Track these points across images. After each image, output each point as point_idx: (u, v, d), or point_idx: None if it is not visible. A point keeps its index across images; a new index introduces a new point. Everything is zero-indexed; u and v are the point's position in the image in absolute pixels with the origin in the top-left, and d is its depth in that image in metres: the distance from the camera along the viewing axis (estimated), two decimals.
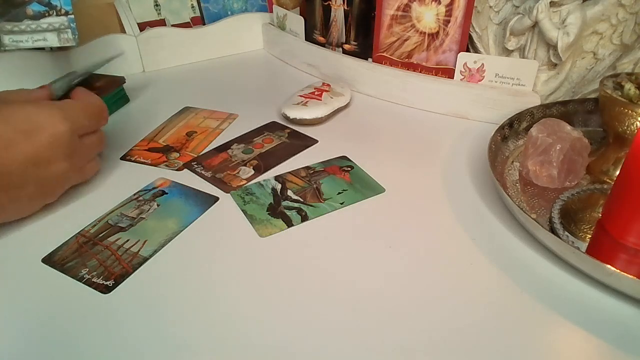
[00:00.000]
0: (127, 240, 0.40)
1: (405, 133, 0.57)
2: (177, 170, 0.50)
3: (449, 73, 0.60)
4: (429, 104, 0.61)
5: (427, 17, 0.59)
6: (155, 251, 0.39)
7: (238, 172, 0.49)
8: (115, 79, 0.63)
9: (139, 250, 0.39)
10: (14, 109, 0.40)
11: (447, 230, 0.42)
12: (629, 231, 0.38)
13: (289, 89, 0.64)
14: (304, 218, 0.43)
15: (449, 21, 0.58)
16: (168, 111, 0.62)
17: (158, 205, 0.44)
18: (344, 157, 0.52)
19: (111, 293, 0.35)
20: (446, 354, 0.31)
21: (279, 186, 0.47)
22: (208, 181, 0.48)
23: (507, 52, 0.57)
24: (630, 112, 0.43)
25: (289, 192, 0.46)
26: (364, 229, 0.42)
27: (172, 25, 0.77)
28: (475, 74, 0.58)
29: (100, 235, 0.41)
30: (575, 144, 0.44)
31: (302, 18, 0.72)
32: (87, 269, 0.37)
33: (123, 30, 0.73)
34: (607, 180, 0.46)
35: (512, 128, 0.52)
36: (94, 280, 0.36)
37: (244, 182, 0.48)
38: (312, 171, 0.49)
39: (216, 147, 0.54)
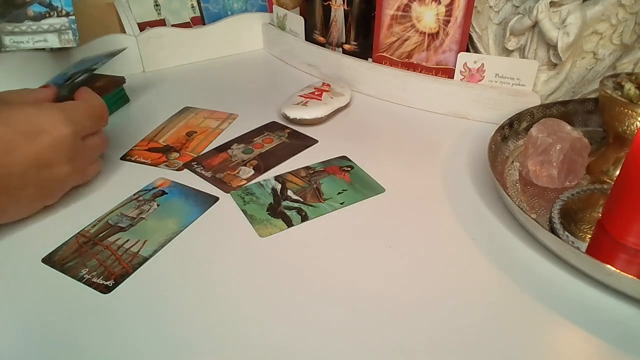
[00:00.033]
0: (127, 240, 0.40)
1: (405, 133, 0.57)
2: (177, 170, 0.50)
3: (449, 73, 0.60)
4: (429, 104, 0.61)
5: (427, 17, 0.59)
6: (155, 251, 0.39)
7: (238, 172, 0.49)
8: (115, 79, 0.63)
9: (139, 250, 0.39)
10: (15, 111, 0.39)
11: (447, 230, 0.42)
12: (629, 231, 0.38)
13: (289, 89, 0.64)
14: (304, 218, 0.43)
15: (449, 21, 0.58)
16: (168, 111, 0.62)
17: (158, 205, 0.44)
18: (344, 157, 0.52)
19: (111, 293, 0.35)
20: (446, 354, 0.31)
21: (279, 186, 0.47)
22: (208, 181, 0.48)
23: (507, 52, 0.57)
24: (630, 112, 0.43)
25: (289, 192, 0.46)
26: (364, 229, 0.42)
27: (172, 25, 0.77)
28: (475, 74, 0.58)
29: (100, 235, 0.41)
30: (575, 144, 0.44)
31: (302, 18, 0.72)
32: (87, 269, 0.37)
33: (123, 30, 0.73)
34: (607, 180, 0.46)
35: (512, 128, 0.52)
36: (94, 280, 0.36)
37: (244, 182, 0.48)
38: (312, 171, 0.49)
39: (216, 147, 0.54)
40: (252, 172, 0.49)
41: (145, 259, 0.38)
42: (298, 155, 0.52)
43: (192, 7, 0.78)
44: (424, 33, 0.60)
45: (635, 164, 0.36)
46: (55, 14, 0.58)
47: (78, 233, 0.41)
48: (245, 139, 0.56)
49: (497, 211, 0.43)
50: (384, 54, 0.64)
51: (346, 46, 0.68)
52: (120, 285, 0.36)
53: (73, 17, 0.58)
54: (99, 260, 0.38)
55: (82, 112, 0.43)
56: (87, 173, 0.46)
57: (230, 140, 0.55)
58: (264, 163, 0.51)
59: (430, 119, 0.60)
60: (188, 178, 0.49)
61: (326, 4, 0.67)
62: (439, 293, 0.35)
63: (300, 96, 0.60)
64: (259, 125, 0.58)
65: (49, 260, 0.38)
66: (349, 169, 0.50)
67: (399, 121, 0.60)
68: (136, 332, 0.33)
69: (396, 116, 0.61)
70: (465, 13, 0.56)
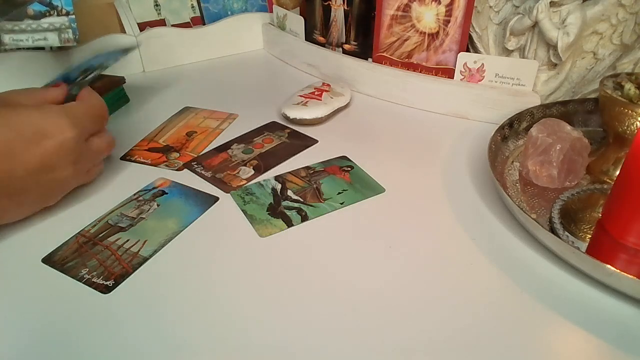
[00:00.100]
0: (127, 240, 0.40)
1: (405, 133, 0.57)
2: (177, 170, 0.50)
3: (449, 73, 0.60)
4: (429, 104, 0.61)
5: (427, 17, 0.59)
6: (155, 251, 0.39)
7: (238, 172, 0.49)
8: (115, 79, 0.63)
9: (139, 250, 0.39)
10: (19, 114, 0.39)
11: (447, 230, 0.42)
12: (629, 231, 0.38)
13: (289, 89, 0.64)
14: (304, 218, 0.43)
15: (449, 21, 0.58)
16: (168, 111, 0.62)
17: (158, 205, 0.44)
18: (344, 157, 0.52)
19: (111, 293, 0.35)
20: (446, 354, 0.31)
21: (279, 186, 0.47)
22: (208, 181, 0.48)
23: (507, 52, 0.57)
24: (630, 112, 0.43)
25: (289, 192, 0.46)
26: (364, 229, 0.42)
27: (172, 25, 0.77)
28: (475, 74, 0.58)
29: (100, 235, 0.41)
30: (575, 144, 0.44)
31: (302, 18, 0.72)
32: (87, 269, 0.37)
33: (123, 30, 0.73)
34: (607, 180, 0.46)
35: (512, 128, 0.52)
36: (94, 280, 0.36)
37: (244, 182, 0.48)
38: (312, 171, 0.49)
39: (216, 147, 0.54)
40: (252, 172, 0.49)
41: (145, 259, 0.38)
42: (298, 155, 0.52)
43: (192, 7, 0.78)
44: (424, 33, 0.60)
45: (635, 164, 0.36)
46: (55, 13, 0.58)
47: (78, 233, 0.41)
48: (245, 139, 0.56)
49: (497, 211, 0.43)
50: (384, 54, 0.64)
51: (346, 46, 0.68)
52: (120, 285, 0.36)
53: (73, 16, 0.58)
54: (99, 260, 0.38)
55: (84, 114, 0.43)
56: (90, 174, 0.45)
57: (230, 140, 0.55)
58: (264, 163, 0.51)
59: (430, 119, 0.60)
60: (188, 178, 0.49)
61: (326, 4, 0.68)
62: (439, 293, 0.35)
63: (300, 96, 0.60)
64: (259, 125, 0.58)
65: (49, 260, 0.38)
66: (349, 169, 0.50)
67: (399, 121, 0.60)
68: (136, 332, 0.33)
69: (396, 116, 0.61)
70: (465, 13, 0.56)
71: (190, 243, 0.40)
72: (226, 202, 0.45)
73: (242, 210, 0.44)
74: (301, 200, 0.45)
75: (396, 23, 0.61)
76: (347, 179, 0.48)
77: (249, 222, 0.42)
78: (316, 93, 0.61)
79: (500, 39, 0.58)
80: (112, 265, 0.38)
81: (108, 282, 0.36)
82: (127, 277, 0.37)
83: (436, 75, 0.61)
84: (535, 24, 0.53)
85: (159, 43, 0.74)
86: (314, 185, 0.47)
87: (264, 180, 0.48)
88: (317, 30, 0.71)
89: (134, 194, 0.46)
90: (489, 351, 0.31)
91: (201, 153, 0.53)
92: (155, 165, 0.51)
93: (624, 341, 0.32)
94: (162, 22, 0.76)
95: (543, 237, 0.38)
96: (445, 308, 0.34)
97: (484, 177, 0.48)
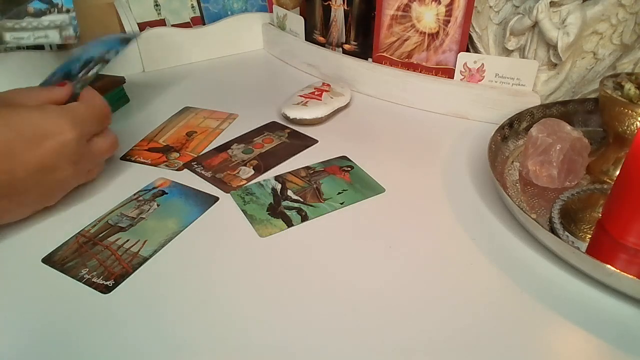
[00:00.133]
0: (127, 240, 0.40)
1: (405, 133, 0.57)
2: (177, 170, 0.50)
3: (449, 73, 0.60)
4: (429, 104, 0.61)
5: (427, 17, 0.59)
6: (155, 251, 0.39)
7: (238, 172, 0.49)
8: (115, 79, 0.63)
9: (139, 250, 0.39)
10: (19, 114, 0.39)
11: (447, 230, 0.42)
12: (629, 231, 0.38)
13: (289, 89, 0.64)
14: (304, 218, 0.43)
15: (449, 21, 0.58)
16: (168, 111, 0.62)
17: (158, 205, 0.44)
18: (344, 157, 0.52)
19: (111, 293, 0.35)
20: (446, 354, 0.31)
21: (279, 186, 0.47)
22: (208, 181, 0.48)
23: (507, 52, 0.57)
24: (630, 112, 0.43)
25: (289, 192, 0.46)
26: (364, 229, 0.42)
27: (172, 25, 0.77)
28: (475, 74, 0.58)
29: (100, 235, 0.41)
30: (575, 144, 0.44)
31: (302, 18, 0.72)
32: (87, 269, 0.37)
33: (123, 30, 0.73)
34: (607, 180, 0.46)
35: (512, 128, 0.52)
36: (94, 280, 0.36)
37: (244, 182, 0.48)
38: (312, 171, 0.49)
39: (216, 147, 0.54)
40: (252, 172, 0.49)
41: (145, 259, 0.38)
42: (298, 155, 0.52)
43: (192, 7, 0.78)
44: (424, 33, 0.60)
45: (635, 164, 0.36)
46: (56, 11, 0.57)
47: (78, 233, 0.41)
48: (245, 139, 0.56)
49: (497, 211, 0.43)
50: (384, 54, 0.64)
51: (346, 46, 0.68)
52: (120, 285, 0.36)
53: (74, 14, 0.58)
54: (99, 260, 0.38)
55: (86, 115, 0.42)
56: (91, 173, 0.45)
57: (230, 140, 0.55)
58: (264, 163, 0.51)
59: (430, 119, 0.60)
60: (188, 178, 0.49)
61: (326, 4, 0.68)
62: (439, 293, 0.35)
63: (300, 96, 0.60)
64: (259, 125, 0.58)
65: (49, 260, 0.38)
66: (349, 169, 0.50)
67: (399, 121, 0.60)
68: (136, 332, 0.33)
69: (396, 116, 0.61)
70: (465, 13, 0.56)
71: (190, 243, 0.40)
72: (226, 202, 0.45)
73: (242, 210, 0.44)
74: (301, 200, 0.45)
75: (396, 23, 0.61)
76: (347, 179, 0.48)
77: (249, 222, 0.42)
78: (316, 93, 0.61)
79: (500, 39, 0.58)
80: (112, 265, 0.38)
81: (108, 282, 0.36)
82: (127, 277, 0.37)
83: (436, 75, 0.61)
84: (535, 24, 0.53)
85: (159, 43, 0.74)
86: (314, 185, 0.47)
87: (264, 180, 0.48)
88: (317, 30, 0.71)
89: (134, 194, 0.46)
90: (489, 351, 0.31)
91: (201, 153, 0.53)
92: (155, 165, 0.51)
93: (624, 341, 0.32)
94: (162, 22, 0.76)
95: (543, 237, 0.38)
96: (445, 308, 0.34)
97: (484, 177, 0.48)
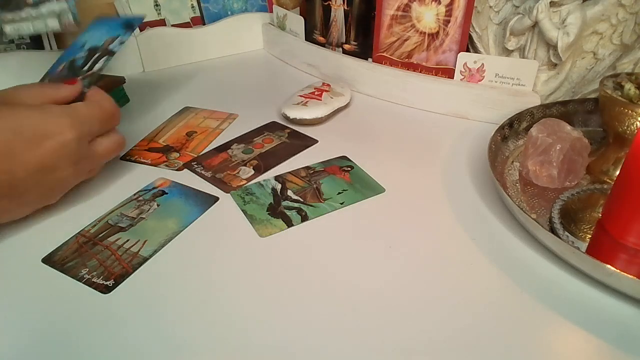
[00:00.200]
0: (127, 240, 0.40)
1: (405, 133, 0.57)
2: (177, 170, 0.50)
3: (449, 73, 0.60)
4: (429, 104, 0.61)
5: (427, 17, 0.59)
6: (155, 251, 0.39)
7: (238, 172, 0.49)
8: (115, 79, 0.63)
9: (139, 250, 0.39)
10: (20, 115, 0.39)
11: (447, 230, 0.42)
12: (629, 231, 0.38)
13: (289, 89, 0.64)
14: (304, 218, 0.43)
15: (449, 21, 0.58)
16: (168, 111, 0.62)
17: (158, 205, 0.44)
18: (344, 157, 0.52)
19: (111, 293, 0.35)
20: (446, 354, 0.31)
21: (279, 186, 0.47)
22: (208, 181, 0.48)
23: (507, 52, 0.57)
24: (630, 112, 0.43)
25: (289, 192, 0.46)
26: (364, 229, 0.42)
27: (172, 25, 0.77)
28: (475, 74, 0.58)
29: (100, 235, 0.41)
30: (575, 144, 0.44)
31: (302, 18, 0.72)
32: (87, 269, 0.37)
33: None
34: (607, 180, 0.46)
35: (512, 128, 0.52)
36: (94, 280, 0.36)
37: (244, 182, 0.48)
38: (312, 171, 0.49)
39: (216, 147, 0.54)
40: (252, 172, 0.49)
41: (145, 259, 0.38)
42: (298, 155, 0.52)
43: (192, 7, 0.78)
44: (424, 33, 0.60)
45: (635, 164, 0.36)
46: None
47: (78, 233, 0.41)
48: (245, 139, 0.56)
49: (497, 211, 0.43)
50: (384, 54, 0.64)
51: (346, 46, 0.68)
52: (120, 285, 0.36)
53: (72, 1, 0.57)
54: (99, 260, 0.38)
55: (88, 115, 0.42)
56: (92, 172, 0.45)
57: (230, 140, 0.55)
58: (264, 163, 0.51)
59: (430, 119, 0.60)
60: (188, 178, 0.49)
61: (326, 4, 0.68)
62: (439, 293, 0.35)
63: (300, 96, 0.60)
64: (259, 125, 0.58)
65: (49, 260, 0.38)
66: (349, 169, 0.50)
67: (399, 121, 0.60)
68: (136, 332, 0.33)
69: (396, 116, 0.61)
70: (465, 13, 0.56)
71: (190, 243, 0.40)
72: (226, 202, 0.45)
73: (242, 210, 0.44)
74: (301, 200, 0.45)
75: (396, 23, 0.61)
76: (347, 179, 0.48)
77: (249, 222, 0.42)
78: (316, 93, 0.61)
79: (500, 39, 0.58)
80: (112, 265, 0.38)
81: (108, 282, 0.36)
82: (127, 277, 0.37)
83: (436, 75, 0.61)
84: (535, 24, 0.53)
85: (159, 43, 0.74)
86: (314, 185, 0.47)
87: (264, 180, 0.48)
88: (317, 30, 0.71)
89: (134, 194, 0.46)
90: (489, 351, 0.31)
91: (201, 153, 0.53)
92: (155, 165, 0.51)
93: (624, 341, 0.32)
94: (162, 22, 0.76)
95: (543, 237, 0.38)
96: (445, 308, 0.34)
97: (484, 177, 0.48)
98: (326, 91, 0.61)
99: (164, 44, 0.75)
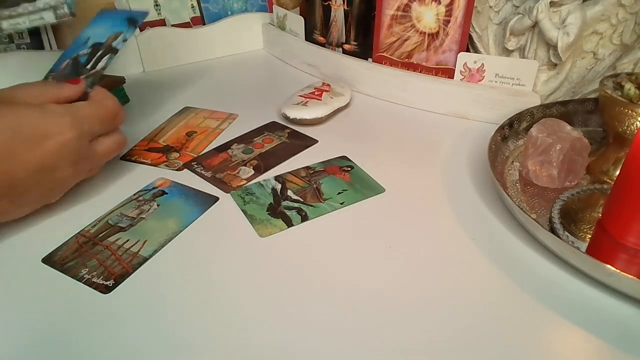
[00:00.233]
0: (127, 240, 0.40)
1: (405, 133, 0.57)
2: (177, 170, 0.50)
3: (449, 73, 0.60)
4: (429, 104, 0.61)
5: (427, 17, 0.59)
6: (155, 251, 0.39)
7: (238, 172, 0.49)
8: (115, 79, 0.63)
9: (139, 250, 0.39)
10: (20, 114, 0.38)
11: (447, 230, 0.42)
12: (629, 231, 0.38)
13: (289, 89, 0.64)
14: (304, 218, 0.43)
15: (449, 21, 0.58)
16: (168, 111, 0.62)
17: (158, 205, 0.44)
18: (344, 157, 0.52)
19: (111, 293, 0.35)
20: (446, 354, 0.31)
21: (279, 186, 0.47)
22: (208, 181, 0.48)
23: (507, 52, 0.57)
24: (630, 112, 0.43)
25: (289, 192, 0.46)
26: (364, 229, 0.42)
27: (172, 25, 0.77)
28: (475, 74, 0.58)
29: (100, 235, 0.41)
30: (575, 144, 0.44)
31: (302, 18, 0.72)
32: (87, 269, 0.37)
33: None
34: (607, 180, 0.46)
35: (512, 128, 0.52)
36: (94, 280, 0.36)
37: (244, 182, 0.48)
38: (312, 171, 0.49)
39: (216, 147, 0.54)
40: (252, 172, 0.49)
41: (145, 259, 0.38)
42: (298, 155, 0.52)
43: (192, 7, 0.78)
44: (424, 33, 0.60)
45: (635, 164, 0.36)
46: None
47: (78, 233, 0.41)
48: (245, 139, 0.56)
49: (497, 211, 0.43)
50: (384, 54, 0.64)
51: (346, 46, 0.68)
52: (120, 285, 0.36)
53: None
54: (99, 260, 0.38)
55: (91, 115, 0.42)
56: (92, 171, 0.45)
57: (230, 140, 0.55)
58: (264, 163, 0.51)
59: (430, 119, 0.60)
60: (188, 178, 0.49)
61: (326, 4, 0.68)
62: (439, 293, 0.35)
63: (300, 96, 0.60)
64: (259, 125, 0.58)
65: (49, 260, 0.38)
66: (349, 169, 0.50)
67: (399, 121, 0.60)
68: (136, 332, 0.33)
69: (396, 116, 0.61)
70: (465, 13, 0.56)
71: (190, 243, 0.40)
72: (226, 202, 0.45)
73: (242, 210, 0.44)
74: (301, 200, 0.45)
75: (396, 23, 0.61)
76: (347, 179, 0.48)
77: (249, 222, 0.42)
78: (316, 93, 0.61)
79: (500, 39, 0.58)
80: (112, 265, 0.38)
81: (108, 282, 0.36)
82: (127, 277, 0.37)
83: (436, 75, 0.61)
84: (535, 24, 0.53)
85: (159, 43, 0.74)
86: (314, 185, 0.47)
87: (264, 180, 0.48)
88: (317, 30, 0.71)
89: (134, 194, 0.46)
90: (489, 351, 0.31)
91: (201, 153, 0.53)
92: (155, 165, 0.51)
93: (624, 341, 0.32)
94: (162, 22, 0.76)
95: (543, 237, 0.38)
96: (445, 308, 0.34)
97: (484, 177, 0.48)
98: (326, 91, 0.61)
99: (164, 44, 0.75)
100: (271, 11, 0.79)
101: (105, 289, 0.36)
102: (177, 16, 0.77)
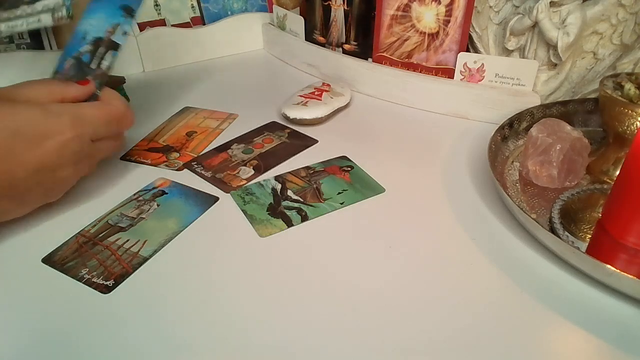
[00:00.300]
0: (127, 240, 0.40)
1: (405, 133, 0.57)
2: (177, 170, 0.50)
3: (449, 73, 0.60)
4: (429, 104, 0.61)
5: (427, 17, 0.59)
6: (155, 251, 0.39)
7: (238, 172, 0.49)
8: (115, 79, 0.63)
9: (139, 250, 0.39)
10: (21, 114, 0.38)
11: (447, 230, 0.42)
12: (629, 231, 0.38)
13: (289, 89, 0.64)
14: (304, 218, 0.43)
15: (449, 21, 0.58)
16: (168, 111, 0.62)
17: (158, 205, 0.44)
18: (344, 157, 0.52)
19: (111, 293, 0.35)
20: (446, 354, 0.31)
21: (279, 186, 0.47)
22: (208, 181, 0.48)
23: (507, 52, 0.57)
24: (630, 112, 0.43)
25: (289, 192, 0.46)
26: (364, 229, 0.42)
27: (172, 25, 0.77)
28: (475, 74, 0.58)
29: (100, 235, 0.41)
30: (575, 144, 0.44)
31: (302, 18, 0.72)
32: (87, 269, 0.37)
33: None
34: (607, 180, 0.46)
35: (512, 128, 0.52)
36: (94, 280, 0.36)
37: (244, 182, 0.48)
38: (312, 171, 0.49)
39: (216, 147, 0.54)
40: (252, 172, 0.49)
41: (145, 259, 0.38)
42: (298, 155, 0.52)
43: (192, 7, 0.78)
44: (424, 33, 0.60)
45: (635, 164, 0.36)
46: None
47: (78, 233, 0.41)
48: (245, 139, 0.56)
49: (497, 211, 0.43)
50: (384, 54, 0.64)
51: (346, 46, 0.68)
52: (120, 285, 0.36)
53: None
54: (99, 260, 0.38)
55: (94, 115, 0.42)
56: (91, 169, 0.45)
57: (230, 140, 0.55)
58: (264, 163, 0.51)
59: (430, 119, 0.60)
60: (188, 178, 0.49)
61: (326, 4, 0.68)
62: (439, 293, 0.35)
63: (300, 96, 0.60)
64: (259, 125, 0.58)
65: (49, 260, 0.38)
66: (349, 169, 0.50)
67: (399, 121, 0.60)
68: (136, 332, 0.33)
69: (396, 116, 0.61)
70: (465, 13, 0.56)
71: (190, 243, 0.40)
72: (226, 202, 0.45)
73: (242, 210, 0.44)
74: (301, 200, 0.45)
75: (396, 23, 0.61)
76: (347, 179, 0.48)
77: (249, 222, 0.42)
78: (316, 93, 0.61)
79: (500, 39, 0.58)
80: (112, 265, 0.38)
81: (108, 282, 0.36)
82: (127, 277, 0.37)
83: (436, 75, 0.61)
84: (535, 24, 0.53)
85: (159, 43, 0.74)
86: (314, 185, 0.47)
87: (264, 180, 0.48)
88: (317, 30, 0.71)
89: (134, 194, 0.46)
90: (489, 351, 0.31)
91: (201, 153, 0.53)
92: (155, 165, 0.51)
93: (624, 341, 0.32)
94: (162, 22, 0.76)
95: (543, 237, 0.38)
96: (445, 308, 0.34)
97: (484, 177, 0.48)
98: (326, 91, 0.61)
99: (164, 44, 0.75)
100: (271, 11, 0.79)
101: (105, 289, 0.36)
102: (177, 16, 0.77)
